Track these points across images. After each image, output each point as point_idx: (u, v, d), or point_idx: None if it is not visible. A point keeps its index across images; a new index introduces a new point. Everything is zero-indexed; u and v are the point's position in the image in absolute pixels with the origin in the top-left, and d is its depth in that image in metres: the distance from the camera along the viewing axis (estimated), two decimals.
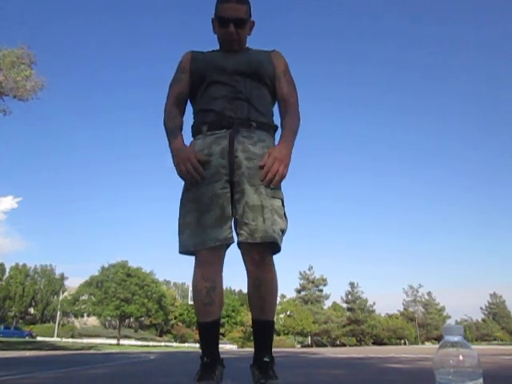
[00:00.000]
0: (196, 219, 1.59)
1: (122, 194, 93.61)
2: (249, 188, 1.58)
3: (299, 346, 47.39)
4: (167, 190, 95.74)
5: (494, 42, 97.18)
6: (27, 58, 15.99)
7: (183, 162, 1.59)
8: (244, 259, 1.63)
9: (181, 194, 1.68)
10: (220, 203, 1.58)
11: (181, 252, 1.62)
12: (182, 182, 1.68)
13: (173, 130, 1.70)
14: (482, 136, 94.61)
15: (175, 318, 54.31)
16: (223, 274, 1.64)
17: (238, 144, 1.64)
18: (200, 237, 1.56)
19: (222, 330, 51.19)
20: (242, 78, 1.73)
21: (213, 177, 1.61)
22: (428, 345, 46.11)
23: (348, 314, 53.57)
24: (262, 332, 1.70)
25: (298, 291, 55.21)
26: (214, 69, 1.74)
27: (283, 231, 1.61)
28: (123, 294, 42.94)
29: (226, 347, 39.58)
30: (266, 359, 1.63)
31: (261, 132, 1.70)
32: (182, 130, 1.74)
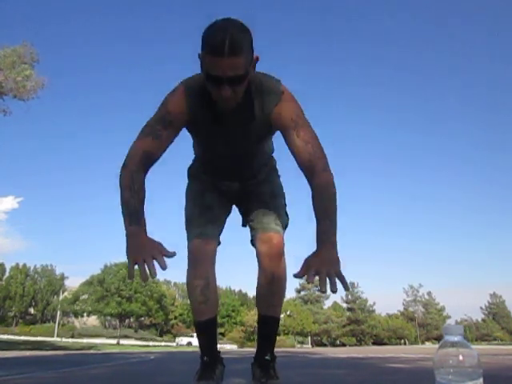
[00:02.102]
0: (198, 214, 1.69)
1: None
2: (255, 202, 1.71)
3: (299, 346, 47.38)
4: (167, 191, 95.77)
5: (495, 42, 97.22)
6: (29, 56, 15.87)
7: (142, 258, 1.18)
8: (258, 255, 1.65)
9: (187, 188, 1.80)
10: (219, 211, 1.73)
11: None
12: (183, 184, 1.70)
13: (133, 213, 1.28)
14: (482, 136, 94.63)
15: (175, 317, 54.31)
16: (219, 273, 1.65)
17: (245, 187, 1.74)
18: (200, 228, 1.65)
19: (222, 330, 51.26)
20: (243, 148, 1.57)
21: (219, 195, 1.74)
22: (428, 345, 46.11)
23: (348, 313, 53.57)
24: (268, 329, 1.72)
25: (298, 291, 55.21)
26: (211, 136, 1.51)
27: (284, 225, 1.71)
28: (125, 292, 43.00)
29: (226, 347, 39.56)
30: (267, 357, 1.65)
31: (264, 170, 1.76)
32: (143, 208, 1.32)
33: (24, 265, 56.24)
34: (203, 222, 1.64)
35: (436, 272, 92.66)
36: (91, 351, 14.68)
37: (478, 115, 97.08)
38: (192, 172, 1.80)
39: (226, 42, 1.18)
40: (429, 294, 60.56)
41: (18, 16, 72.17)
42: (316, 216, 1.31)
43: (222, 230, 1.73)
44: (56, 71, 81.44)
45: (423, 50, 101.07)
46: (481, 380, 0.75)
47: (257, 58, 1.33)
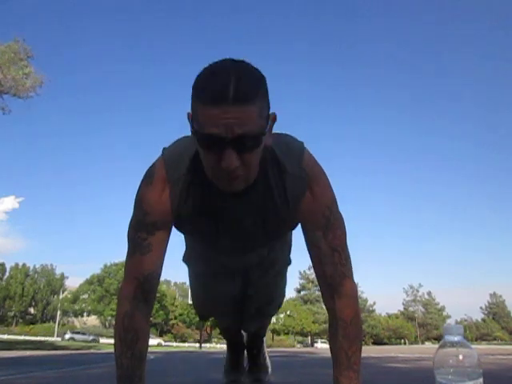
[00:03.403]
0: None
1: (122, 194, 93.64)
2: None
3: (299, 346, 47.38)
4: None
5: (496, 42, 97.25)
6: (23, 52, 15.77)
7: None
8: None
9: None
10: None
11: None
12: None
13: (125, 377, 0.96)
14: (483, 136, 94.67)
15: (175, 317, 54.32)
16: None
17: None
18: None
19: None
20: (255, 248, 1.19)
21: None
22: (428, 344, 46.13)
23: None
24: (255, 343, 1.89)
25: (298, 291, 55.22)
26: (208, 234, 1.08)
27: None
28: None
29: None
30: (254, 351, 1.89)
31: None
32: (140, 367, 0.98)
33: (24, 265, 56.26)
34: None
35: (436, 272, 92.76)
36: (91, 351, 14.67)
37: (477, 115, 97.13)
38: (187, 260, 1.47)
39: (230, 83, 0.77)
40: (429, 293, 60.67)
41: (18, 15, 72.19)
42: (333, 355, 1.00)
43: None
44: (57, 71, 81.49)
45: (423, 50, 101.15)
46: (481, 380, 0.75)
47: (274, 118, 0.88)
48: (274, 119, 0.89)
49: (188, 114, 0.86)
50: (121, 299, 1.01)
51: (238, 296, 1.44)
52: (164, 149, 1.02)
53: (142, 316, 0.99)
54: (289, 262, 1.48)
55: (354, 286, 1.04)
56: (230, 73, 0.79)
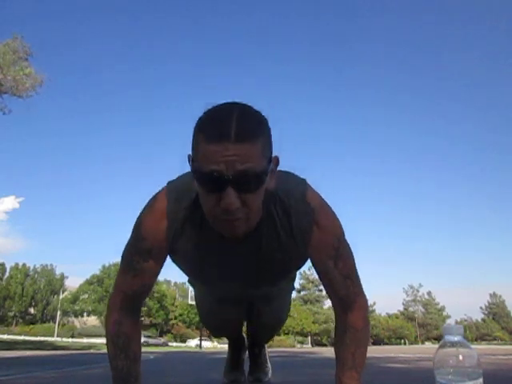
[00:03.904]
0: None
1: (122, 194, 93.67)
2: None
3: (299, 346, 47.39)
4: None
5: (496, 42, 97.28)
6: (22, 50, 15.66)
7: None
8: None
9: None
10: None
11: None
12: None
13: (120, 379, 1.01)
14: (483, 136, 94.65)
15: (175, 317, 54.33)
16: None
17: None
18: None
19: None
20: (257, 287, 1.19)
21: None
22: (428, 344, 46.12)
23: None
24: (257, 350, 1.92)
25: (298, 291, 55.25)
26: (206, 271, 1.07)
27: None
28: None
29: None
30: (256, 351, 1.91)
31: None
32: (136, 368, 1.03)
33: (24, 265, 56.26)
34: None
35: (436, 272, 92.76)
36: (91, 351, 14.66)
37: (477, 115, 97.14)
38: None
39: (232, 121, 0.77)
40: (429, 293, 60.66)
41: (18, 15, 72.17)
42: (338, 357, 1.03)
43: None
44: (57, 71, 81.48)
45: (423, 50, 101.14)
46: (481, 380, 0.75)
47: (277, 161, 0.87)
48: (277, 162, 0.88)
49: (188, 156, 0.85)
50: (110, 308, 1.05)
51: (243, 319, 1.61)
52: (169, 182, 1.03)
53: (132, 322, 1.04)
54: (293, 288, 1.56)
55: (366, 299, 1.06)
56: (232, 111, 0.79)
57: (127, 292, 1.02)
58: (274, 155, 0.86)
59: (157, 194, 1.02)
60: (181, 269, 1.14)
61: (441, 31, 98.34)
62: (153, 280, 1.04)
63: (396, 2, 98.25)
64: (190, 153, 0.84)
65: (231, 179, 0.76)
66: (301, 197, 0.97)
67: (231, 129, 0.76)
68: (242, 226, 0.85)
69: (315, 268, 1.04)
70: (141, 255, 1.00)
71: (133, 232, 1.02)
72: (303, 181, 1.03)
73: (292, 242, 0.98)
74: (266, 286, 1.18)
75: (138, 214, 1.03)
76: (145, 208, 1.02)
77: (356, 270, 1.06)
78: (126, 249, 1.04)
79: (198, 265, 1.05)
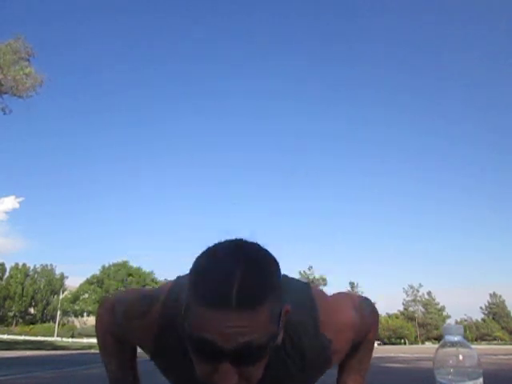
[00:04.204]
0: None
1: (122, 194, 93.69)
2: None
3: None
4: (168, 190, 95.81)
5: (496, 42, 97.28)
6: (24, 51, 15.62)
7: None
8: None
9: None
10: None
11: None
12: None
13: (115, 381, 1.00)
14: (484, 136, 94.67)
15: None
16: None
17: None
18: None
19: None
20: None
21: None
22: (428, 344, 46.19)
23: None
24: None
25: None
26: None
27: None
28: None
29: None
30: None
31: None
32: (136, 372, 1.02)
33: (24, 265, 56.32)
34: None
35: (436, 272, 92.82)
36: (91, 351, 14.66)
37: (477, 115, 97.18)
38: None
39: (234, 284, 0.62)
40: (429, 293, 60.72)
41: (19, 15, 72.17)
42: (345, 361, 0.98)
43: None
44: (57, 71, 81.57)
45: (423, 50, 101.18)
46: (481, 380, 0.75)
47: (287, 311, 0.71)
48: (287, 312, 0.70)
49: (182, 308, 0.67)
50: (98, 321, 1.00)
51: None
52: (171, 290, 0.87)
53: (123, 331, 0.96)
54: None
55: (377, 313, 1.03)
56: (235, 270, 0.63)
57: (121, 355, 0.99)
58: (285, 304, 0.69)
59: (155, 298, 0.88)
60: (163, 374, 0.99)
61: (441, 31, 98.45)
62: (129, 356, 0.99)
63: (396, 2, 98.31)
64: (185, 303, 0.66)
65: (230, 353, 0.61)
66: (314, 331, 0.83)
67: (232, 294, 0.60)
68: None
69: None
70: (118, 337, 0.94)
71: (120, 309, 0.92)
72: (310, 296, 0.88)
73: (306, 374, 0.87)
74: None
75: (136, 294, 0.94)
76: (140, 306, 0.88)
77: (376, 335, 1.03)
78: (109, 311, 0.95)
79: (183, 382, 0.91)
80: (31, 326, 50.83)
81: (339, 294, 0.97)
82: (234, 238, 0.70)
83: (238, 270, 0.62)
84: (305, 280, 0.98)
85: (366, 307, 0.96)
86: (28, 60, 15.75)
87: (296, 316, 0.80)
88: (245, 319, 0.60)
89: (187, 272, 0.71)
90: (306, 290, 0.89)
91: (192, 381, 0.78)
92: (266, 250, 0.70)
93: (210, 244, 0.70)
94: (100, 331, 1.00)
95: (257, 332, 0.62)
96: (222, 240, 0.70)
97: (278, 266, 0.70)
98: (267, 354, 0.67)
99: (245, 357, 0.63)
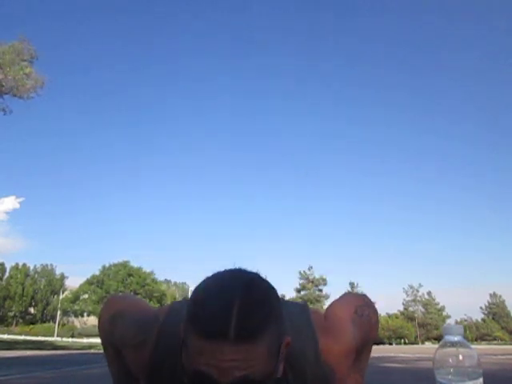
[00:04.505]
0: None
1: (122, 194, 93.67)
2: None
3: None
4: (168, 190, 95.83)
5: (496, 42, 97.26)
6: (28, 53, 15.62)
7: None
8: None
9: None
10: None
11: None
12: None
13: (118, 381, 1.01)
14: (483, 136, 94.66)
15: None
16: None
17: None
18: None
19: None
20: None
21: None
22: (428, 344, 46.19)
23: None
24: None
25: (298, 291, 55.25)
26: None
27: None
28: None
29: None
30: None
31: None
32: None
33: (24, 265, 56.31)
34: None
35: (436, 272, 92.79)
36: (91, 351, 14.66)
37: (477, 115, 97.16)
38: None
39: (232, 316, 0.61)
40: (429, 293, 60.67)
41: (19, 14, 72.15)
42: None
43: None
44: (57, 71, 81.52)
45: (423, 50, 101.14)
46: (481, 380, 0.75)
47: (288, 343, 0.69)
48: (288, 344, 0.69)
49: (182, 341, 0.66)
50: (100, 326, 1.02)
51: None
52: (166, 320, 0.86)
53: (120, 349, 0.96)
54: None
55: (376, 313, 1.01)
56: (233, 302, 0.62)
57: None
58: (286, 337, 0.68)
59: (152, 325, 0.86)
60: None
61: (441, 31, 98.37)
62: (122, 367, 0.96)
63: (396, 2, 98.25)
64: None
65: None
66: (315, 360, 0.82)
67: (230, 326, 0.59)
68: None
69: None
70: (113, 353, 0.96)
71: (119, 324, 0.92)
72: (309, 321, 0.87)
73: None
74: None
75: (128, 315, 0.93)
76: (138, 328, 0.88)
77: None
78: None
79: None
80: (31, 325, 50.84)
81: (336, 308, 0.96)
82: (233, 267, 0.70)
83: (236, 302, 0.62)
84: (302, 303, 0.96)
85: (365, 312, 0.96)
86: (31, 62, 15.75)
87: (296, 343, 0.79)
88: (242, 352, 0.59)
89: (182, 298, 0.70)
90: (303, 314, 0.88)
91: None
92: (266, 281, 0.69)
93: (209, 274, 0.70)
94: (101, 336, 1.00)
95: (254, 366, 0.61)
96: (221, 270, 0.69)
97: (278, 297, 0.69)
98: None
99: None
